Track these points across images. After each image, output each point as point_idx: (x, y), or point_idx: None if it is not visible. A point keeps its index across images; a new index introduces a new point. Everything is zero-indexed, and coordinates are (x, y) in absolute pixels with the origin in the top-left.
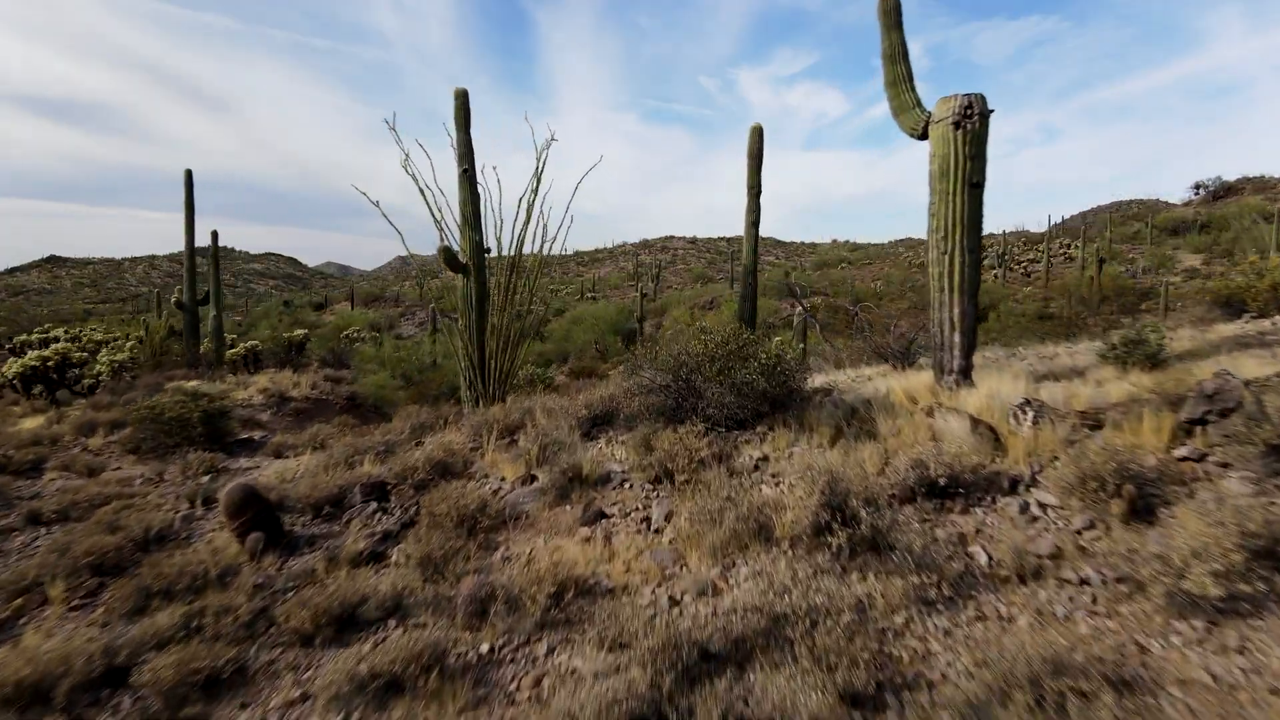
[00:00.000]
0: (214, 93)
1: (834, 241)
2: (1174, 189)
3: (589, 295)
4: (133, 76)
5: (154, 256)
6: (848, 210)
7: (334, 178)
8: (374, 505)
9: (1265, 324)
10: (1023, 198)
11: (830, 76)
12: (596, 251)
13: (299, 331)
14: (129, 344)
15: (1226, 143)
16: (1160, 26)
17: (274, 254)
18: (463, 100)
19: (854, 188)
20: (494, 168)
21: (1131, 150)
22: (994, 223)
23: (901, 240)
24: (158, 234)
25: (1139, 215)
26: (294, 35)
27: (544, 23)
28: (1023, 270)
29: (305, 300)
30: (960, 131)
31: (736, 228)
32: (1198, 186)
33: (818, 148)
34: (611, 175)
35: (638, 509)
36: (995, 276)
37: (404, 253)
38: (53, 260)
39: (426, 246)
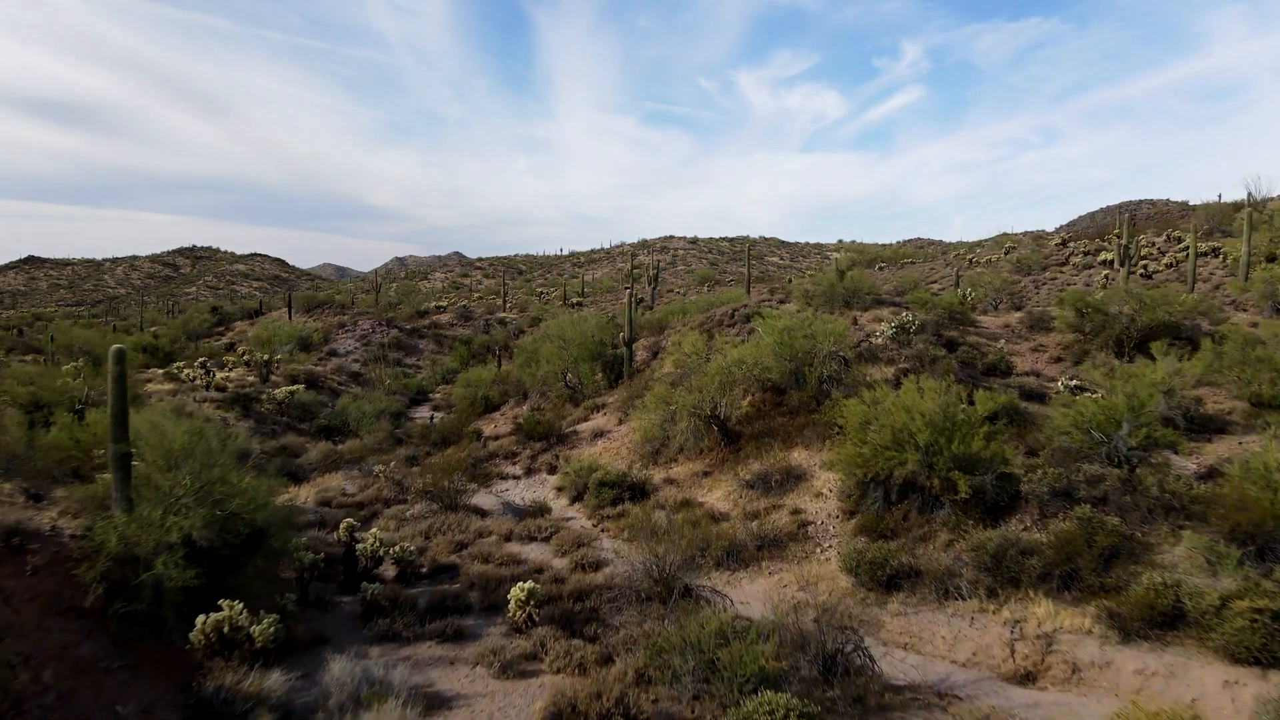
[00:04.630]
0: (215, 95)
1: (840, 242)
2: (1177, 190)
3: (574, 301)
4: (131, 79)
5: (135, 257)
6: (848, 211)
7: (333, 180)
8: None
9: None
10: (1023, 200)
11: (829, 78)
12: (593, 253)
13: None
14: None
15: (1227, 145)
16: (1161, 29)
17: (260, 254)
18: None
19: (853, 189)
20: None
21: (1131, 153)
22: (1001, 224)
23: (910, 240)
24: (164, 236)
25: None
26: (291, 37)
27: (543, 25)
28: (1141, 271)
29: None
30: None
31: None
32: None
33: (816, 150)
34: (611, 178)
35: None
36: (1107, 279)
37: (402, 254)
38: (30, 261)
39: (431, 247)
